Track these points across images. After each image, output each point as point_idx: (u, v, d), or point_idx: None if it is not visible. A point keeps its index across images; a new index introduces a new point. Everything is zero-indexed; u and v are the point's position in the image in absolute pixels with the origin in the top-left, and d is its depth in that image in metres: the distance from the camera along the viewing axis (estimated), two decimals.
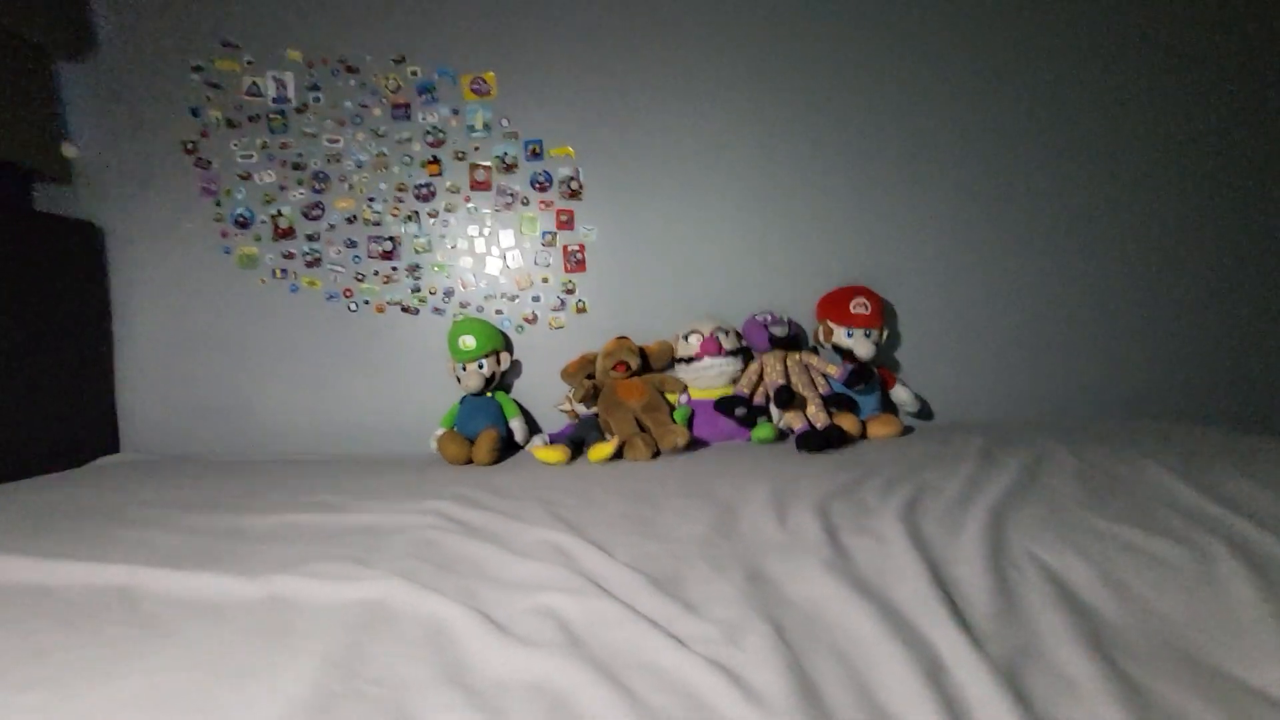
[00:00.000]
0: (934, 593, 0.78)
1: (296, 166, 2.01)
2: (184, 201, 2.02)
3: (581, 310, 2.03)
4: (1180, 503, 1.06)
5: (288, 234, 2.02)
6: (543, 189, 2.01)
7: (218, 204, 2.02)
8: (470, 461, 1.70)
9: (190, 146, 2.01)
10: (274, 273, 2.02)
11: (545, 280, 2.03)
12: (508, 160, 2.01)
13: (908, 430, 1.78)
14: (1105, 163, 1.97)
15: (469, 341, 1.85)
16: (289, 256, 2.02)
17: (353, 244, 2.02)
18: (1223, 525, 0.94)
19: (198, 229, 2.02)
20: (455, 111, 2.00)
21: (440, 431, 1.82)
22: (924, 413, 2.01)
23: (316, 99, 2.00)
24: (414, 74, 2.00)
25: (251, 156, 2.01)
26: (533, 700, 0.60)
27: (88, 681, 0.67)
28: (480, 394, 1.89)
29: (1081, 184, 1.98)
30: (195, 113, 2.00)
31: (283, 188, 2.02)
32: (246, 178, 2.01)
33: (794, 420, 1.70)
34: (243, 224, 2.02)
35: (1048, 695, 0.59)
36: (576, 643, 0.71)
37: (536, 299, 2.03)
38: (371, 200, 2.02)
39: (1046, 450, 1.45)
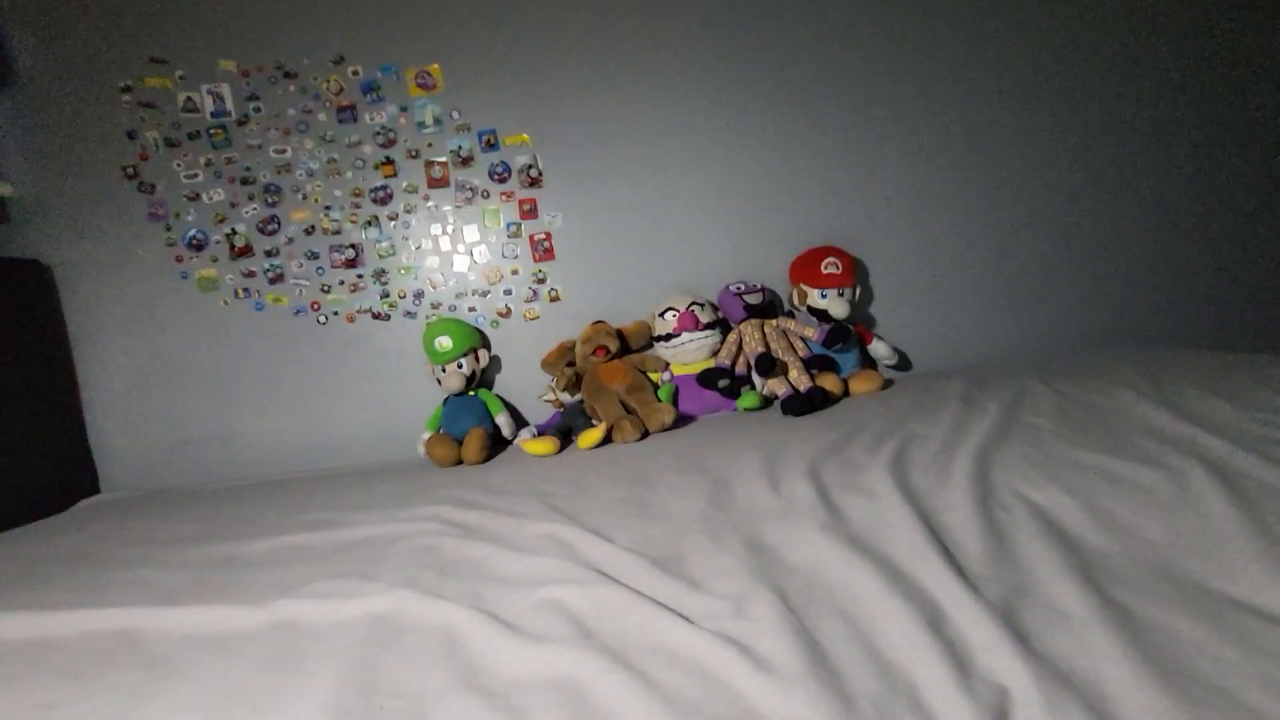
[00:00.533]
0: (928, 543, 0.80)
1: (245, 181, 1.95)
2: (132, 229, 1.95)
3: (555, 299, 2.01)
4: (1155, 427, 1.09)
5: (245, 252, 1.96)
6: (502, 180, 1.98)
7: (168, 228, 1.95)
8: (460, 462, 1.69)
9: (131, 171, 1.93)
10: (236, 293, 1.97)
11: (515, 272, 2.01)
12: (463, 154, 1.97)
13: (888, 383, 1.81)
14: (1065, 105, 1.99)
15: (445, 342, 1.83)
16: (250, 275, 1.97)
17: (314, 255, 1.97)
18: (1196, 445, 0.98)
19: (150, 256, 1.96)
20: (403, 109, 1.95)
21: (427, 435, 1.81)
22: (903, 364, 2.04)
23: (257, 109, 1.94)
24: (355, 74, 1.94)
25: (197, 175, 1.94)
26: (551, 696, 0.61)
27: None
28: (463, 394, 1.87)
29: (1042, 124, 1.99)
30: (131, 135, 1.92)
31: (234, 204, 1.96)
32: (195, 198, 1.95)
33: (777, 386, 1.72)
34: (197, 246, 1.96)
35: (1044, 630, 0.61)
36: (587, 634, 0.72)
37: (508, 292, 2.01)
38: (328, 209, 1.97)
39: (1024, 388, 1.48)
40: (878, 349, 1.93)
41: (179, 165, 1.94)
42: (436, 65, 1.94)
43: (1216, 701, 0.49)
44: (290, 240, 1.97)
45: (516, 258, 2.00)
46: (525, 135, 1.97)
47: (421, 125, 1.96)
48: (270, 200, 1.95)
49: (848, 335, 1.80)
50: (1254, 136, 2.01)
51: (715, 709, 0.56)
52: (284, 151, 1.95)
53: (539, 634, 0.74)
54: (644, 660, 0.65)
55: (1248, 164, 2.02)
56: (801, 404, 1.60)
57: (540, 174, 1.98)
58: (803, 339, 1.85)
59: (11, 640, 0.94)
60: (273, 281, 1.97)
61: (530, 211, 1.99)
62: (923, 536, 0.82)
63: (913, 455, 1.16)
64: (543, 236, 1.99)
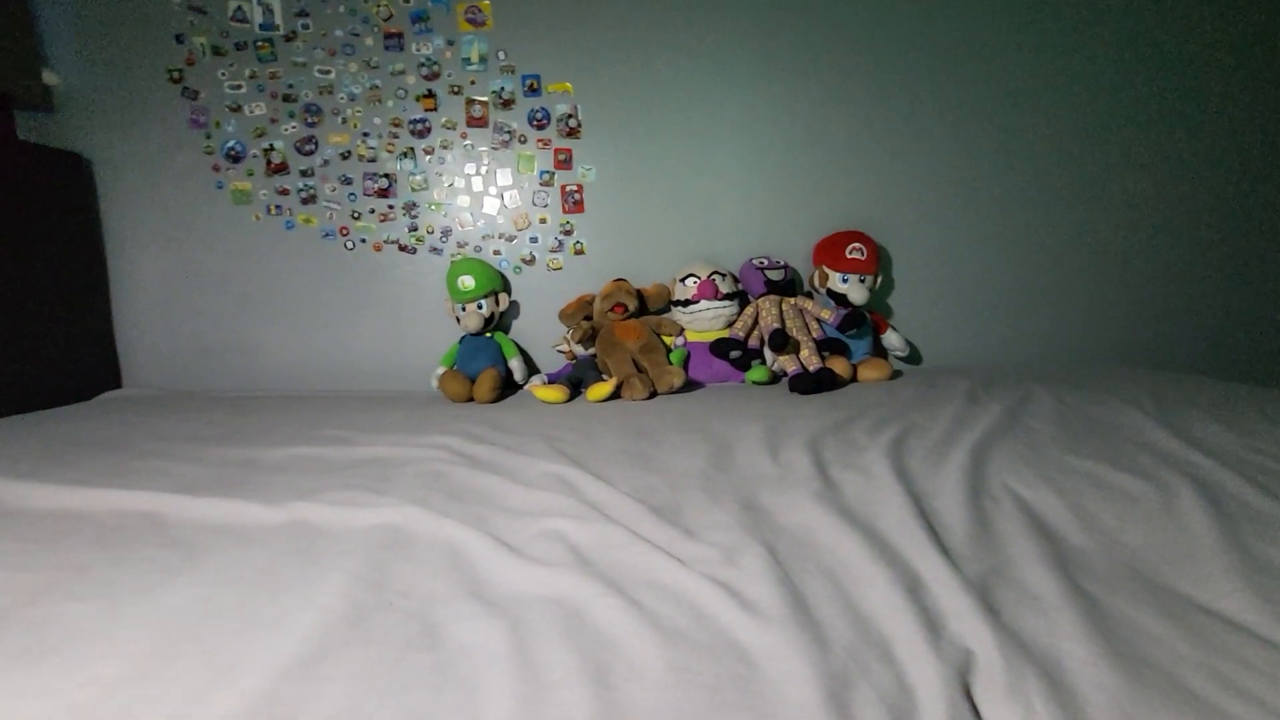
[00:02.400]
0: (916, 521, 0.84)
1: (287, 98, 1.96)
2: (173, 133, 1.97)
3: (579, 251, 2.03)
4: (1151, 443, 1.12)
5: (281, 169, 1.99)
6: (541, 126, 1.98)
7: (208, 137, 1.97)
8: (471, 400, 1.74)
9: (176, 75, 1.94)
10: (269, 209, 2.00)
11: (543, 221, 2.02)
12: (505, 96, 1.96)
13: (897, 374, 1.83)
14: (1100, 116, 1.96)
15: (468, 281, 1.86)
16: (283, 193, 2.00)
17: (348, 180, 1.99)
18: (1188, 464, 1.01)
19: (189, 162, 1.98)
20: (450, 42, 1.94)
21: (441, 370, 1.86)
22: (913, 357, 2.06)
23: (305, 26, 1.93)
24: (406, 1, 1.93)
25: (240, 87, 1.95)
26: (549, 610, 0.66)
27: (133, 595, 0.72)
28: (479, 334, 1.91)
29: (1075, 134, 1.97)
30: (179, 39, 1.93)
31: (274, 120, 1.97)
32: (236, 109, 1.96)
33: (787, 363, 1.75)
34: (235, 158, 1.98)
35: (1015, 608, 0.65)
36: (585, 563, 0.77)
37: (534, 240, 2.03)
38: (366, 135, 1.98)
39: (1029, 393, 1.51)
40: (891, 339, 1.95)
41: (223, 75, 1.95)
42: (488, 2, 1.92)
43: (1164, 685, 0.53)
44: (326, 163, 1.99)
45: (546, 206, 2.01)
46: (568, 84, 1.96)
47: (467, 62, 1.95)
48: (310, 120, 1.97)
49: (863, 321, 1.82)
50: None
51: (700, 638, 0.60)
52: (328, 72, 1.95)
53: (540, 558, 0.78)
54: (637, 590, 0.69)
55: None
56: (809, 383, 1.63)
57: (579, 125, 1.97)
58: (818, 320, 1.87)
59: (44, 509, 1.00)
60: (305, 202, 2.00)
61: (565, 162, 1.99)
62: (911, 514, 0.86)
63: (911, 443, 1.19)
64: (574, 188, 2.00)
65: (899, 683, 0.54)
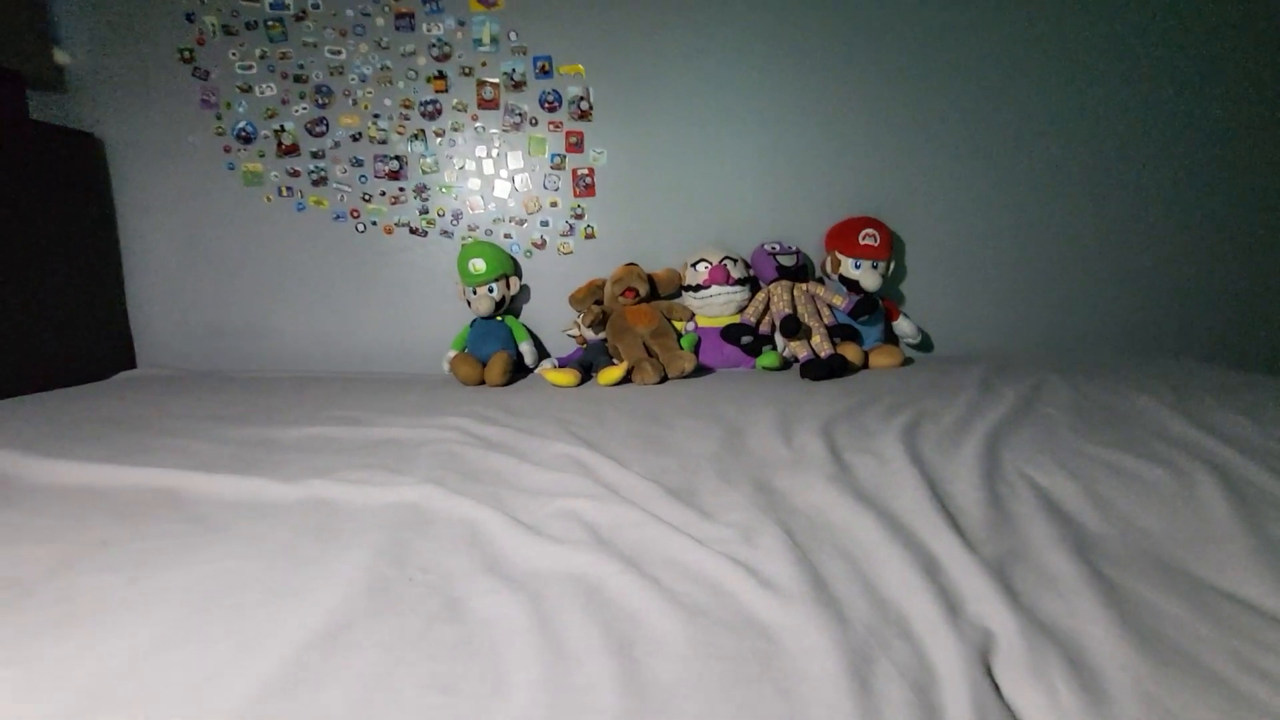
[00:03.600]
0: (931, 504, 0.84)
1: (298, 79, 1.95)
2: (184, 113, 1.97)
3: (590, 235, 2.02)
4: (1168, 431, 1.11)
5: (292, 150, 1.98)
6: (552, 109, 1.96)
7: (218, 117, 1.97)
8: (483, 383, 1.75)
9: (187, 55, 1.94)
10: (280, 190, 2.00)
11: (554, 204, 2.01)
12: (516, 77, 1.95)
13: (908, 361, 1.82)
14: (1114, 101, 1.93)
15: (479, 265, 1.86)
16: (294, 174, 1.99)
17: (359, 163, 1.99)
18: (1206, 451, 1.00)
19: (200, 143, 1.98)
20: (461, 23, 1.93)
21: (452, 353, 1.86)
22: (924, 345, 2.05)
23: (316, 5, 1.92)
24: None
25: (251, 67, 1.94)
26: (568, 586, 0.67)
27: (156, 568, 0.73)
28: (490, 317, 1.91)
29: (1089, 121, 1.94)
30: (190, 18, 1.92)
31: (285, 101, 1.96)
32: (247, 90, 1.95)
33: (799, 349, 1.75)
34: (245, 139, 1.98)
35: (1033, 590, 0.65)
36: (602, 541, 0.77)
37: (545, 223, 2.02)
38: (376, 117, 1.97)
39: (1044, 381, 1.50)
40: (902, 326, 1.95)
41: (234, 55, 1.94)
42: None
43: (1184, 664, 0.53)
44: (337, 144, 1.98)
45: (557, 190, 2.00)
46: (580, 66, 1.94)
47: (478, 43, 1.93)
48: (320, 101, 1.96)
49: (875, 308, 1.81)
50: None
51: (721, 615, 0.61)
52: (339, 53, 1.94)
53: (557, 536, 0.79)
54: (656, 569, 0.70)
55: None
56: (820, 369, 1.63)
57: (590, 108, 1.96)
58: (830, 306, 1.86)
59: (65, 485, 1.02)
60: (316, 184, 2.00)
61: (576, 145, 1.98)
62: (926, 498, 0.86)
63: (925, 429, 1.19)
64: (585, 172, 1.99)
65: (920, 660, 0.54)
